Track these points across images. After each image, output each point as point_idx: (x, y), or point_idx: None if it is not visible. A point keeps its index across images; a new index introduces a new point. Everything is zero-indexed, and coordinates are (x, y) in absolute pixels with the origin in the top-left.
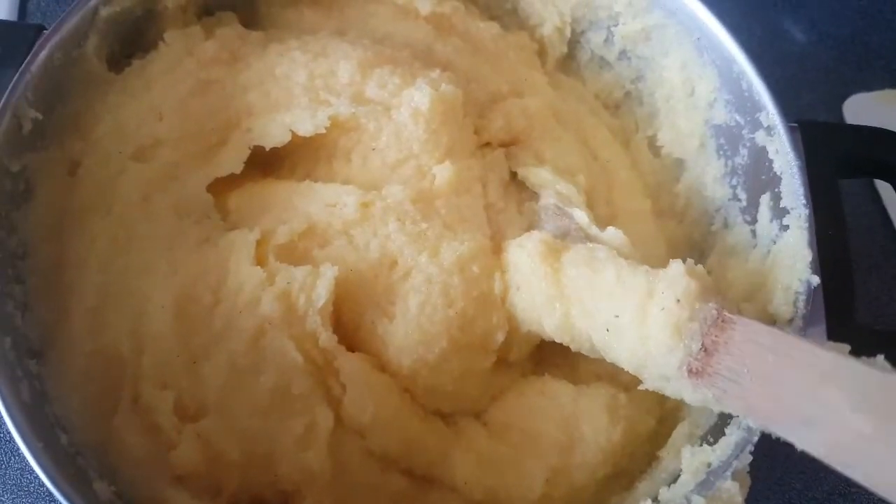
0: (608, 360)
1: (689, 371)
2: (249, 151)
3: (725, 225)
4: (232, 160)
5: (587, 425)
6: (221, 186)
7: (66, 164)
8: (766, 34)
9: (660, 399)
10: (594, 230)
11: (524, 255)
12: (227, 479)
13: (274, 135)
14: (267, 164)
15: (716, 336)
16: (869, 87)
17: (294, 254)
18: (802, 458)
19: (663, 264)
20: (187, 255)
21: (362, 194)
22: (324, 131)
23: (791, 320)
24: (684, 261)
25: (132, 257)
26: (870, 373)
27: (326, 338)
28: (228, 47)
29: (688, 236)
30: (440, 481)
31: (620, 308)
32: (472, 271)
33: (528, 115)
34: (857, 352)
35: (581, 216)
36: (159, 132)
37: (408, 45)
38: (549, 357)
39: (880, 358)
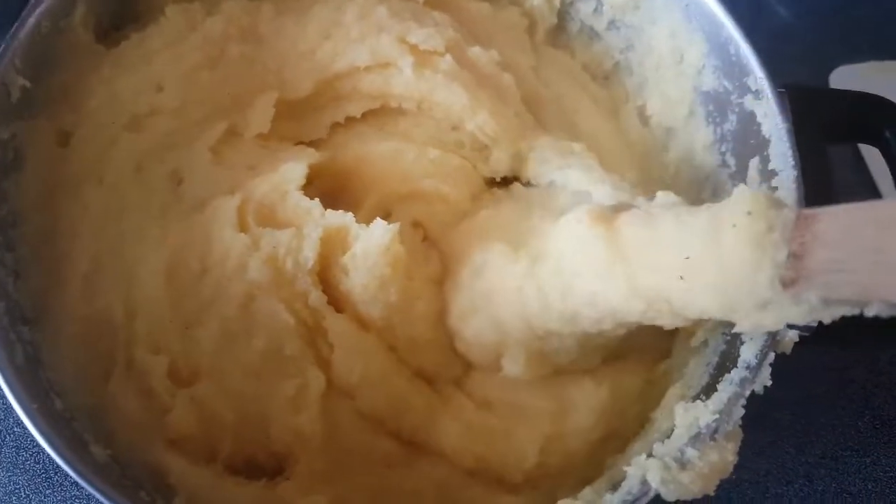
0: (693, 317)
1: (784, 283)
2: (273, 110)
3: (714, 192)
4: (258, 120)
5: (574, 390)
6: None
7: (55, 134)
8: (751, 9)
9: (640, 359)
10: (639, 200)
11: (574, 224)
12: (221, 441)
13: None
14: None
15: (802, 238)
16: (854, 60)
17: (274, 218)
18: (794, 423)
19: None
20: (178, 222)
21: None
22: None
23: None
24: None
25: (125, 225)
26: None
27: (316, 297)
28: (237, 23)
29: None
30: (428, 447)
31: (689, 246)
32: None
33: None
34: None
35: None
36: (157, 102)
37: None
38: None
39: None
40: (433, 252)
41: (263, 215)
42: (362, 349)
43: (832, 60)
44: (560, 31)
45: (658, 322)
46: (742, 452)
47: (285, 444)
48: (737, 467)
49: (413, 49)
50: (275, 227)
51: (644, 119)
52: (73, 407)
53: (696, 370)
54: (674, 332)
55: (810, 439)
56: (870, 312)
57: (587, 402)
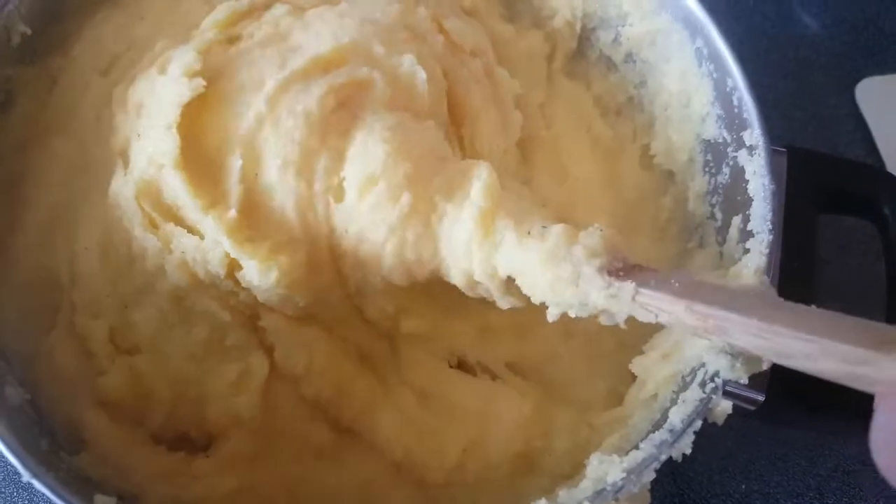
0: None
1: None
2: None
3: (701, 244)
4: None
5: (501, 398)
6: None
7: (48, 81)
8: (780, 18)
9: (577, 394)
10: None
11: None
12: (153, 413)
13: None
14: None
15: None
16: (881, 71)
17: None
18: (806, 436)
19: None
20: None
21: None
22: None
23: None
24: None
25: (81, 182)
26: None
27: (245, 296)
28: None
29: (662, 256)
30: (363, 438)
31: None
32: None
33: None
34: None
35: None
36: (135, 34)
37: None
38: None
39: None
40: None
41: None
42: (304, 342)
43: (858, 72)
44: (579, 57)
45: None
46: (754, 464)
47: (221, 427)
48: (748, 478)
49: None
50: (176, 221)
51: (646, 161)
52: (5, 349)
53: (640, 424)
54: (629, 381)
55: (822, 452)
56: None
57: (510, 411)
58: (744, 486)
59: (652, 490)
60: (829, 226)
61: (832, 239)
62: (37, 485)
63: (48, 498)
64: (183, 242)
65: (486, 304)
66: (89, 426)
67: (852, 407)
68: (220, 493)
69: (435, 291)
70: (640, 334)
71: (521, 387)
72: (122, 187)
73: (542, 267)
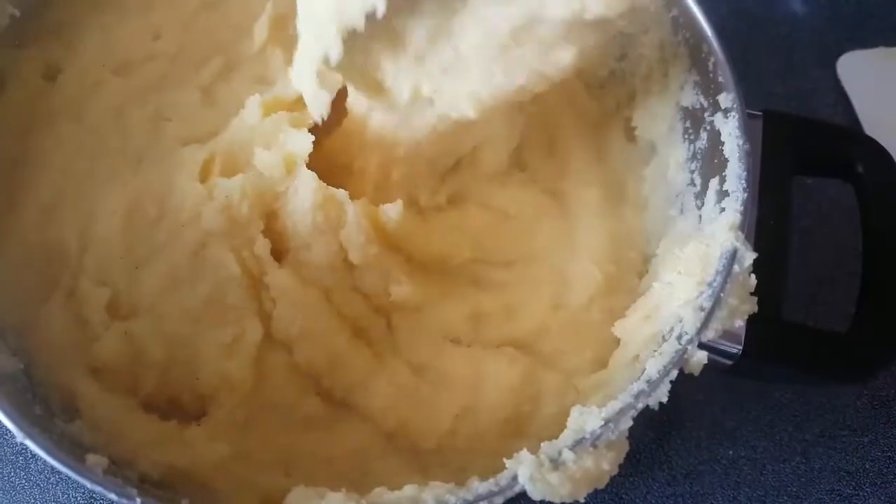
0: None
1: None
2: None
3: (682, 211)
4: (258, 34)
5: (490, 364)
6: None
7: (43, 67)
8: None
9: (562, 359)
10: None
11: None
12: (146, 377)
13: None
14: None
15: None
16: (862, 45)
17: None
18: (793, 401)
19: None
20: (150, 167)
21: None
22: None
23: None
24: None
25: (98, 165)
26: None
27: (261, 245)
28: None
29: (647, 225)
30: (356, 409)
31: None
32: None
33: None
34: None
35: None
36: (154, 49)
37: None
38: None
39: None
40: None
41: (231, 164)
42: (303, 303)
43: (840, 46)
44: None
45: None
46: (741, 430)
47: (213, 388)
48: (734, 444)
49: None
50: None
51: (630, 134)
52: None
53: (623, 385)
54: (614, 345)
55: (809, 418)
56: None
57: (499, 378)
58: (731, 452)
59: (640, 458)
60: (811, 195)
61: (814, 209)
62: (30, 445)
63: (44, 475)
64: (227, 185)
65: (477, 287)
66: (82, 395)
67: (828, 360)
68: (213, 459)
69: (429, 269)
70: (627, 304)
71: (512, 355)
72: (188, 156)
73: None
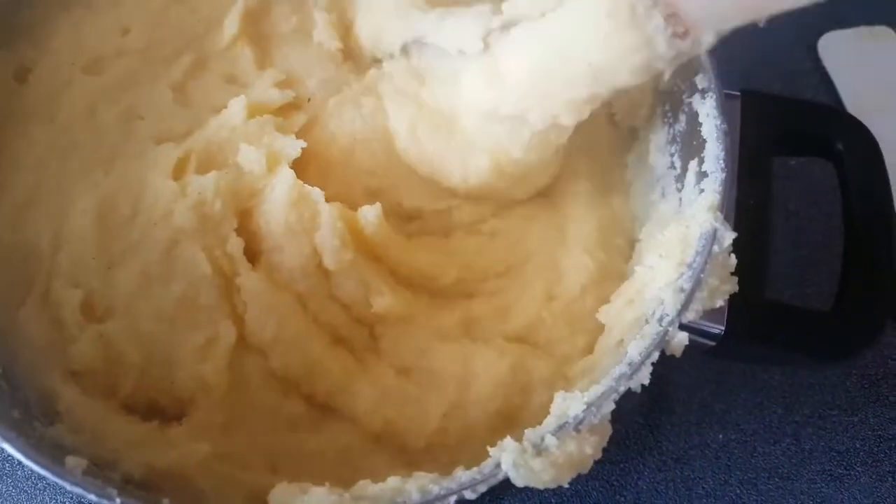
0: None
1: (679, 36)
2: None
3: (663, 195)
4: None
5: (479, 359)
6: None
7: (14, 68)
8: None
9: (553, 350)
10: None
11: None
12: (124, 379)
13: None
14: None
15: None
16: (843, 25)
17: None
18: (783, 383)
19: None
20: (124, 165)
21: None
22: None
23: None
24: None
25: (70, 164)
26: None
27: (234, 243)
28: None
29: (632, 211)
30: (340, 411)
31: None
32: None
33: None
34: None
35: None
36: (123, 45)
37: None
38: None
39: None
40: None
41: (207, 162)
42: (276, 308)
43: (821, 26)
44: None
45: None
46: (730, 413)
47: (189, 391)
48: (724, 427)
49: None
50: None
51: (613, 122)
52: None
53: (608, 369)
54: (597, 331)
55: (798, 399)
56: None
57: (487, 371)
58: (721, 436)
59: (630, 444)
60: (798, 177)
61: (801, 190)
62: (8, 448)
63: (31, 481)
64: (200, 182)
65: (467, 295)
66: (62, 398)
67: (810, 339)
68: (196, 458)
69: (415, 285)
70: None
71: (501, 346)
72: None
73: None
